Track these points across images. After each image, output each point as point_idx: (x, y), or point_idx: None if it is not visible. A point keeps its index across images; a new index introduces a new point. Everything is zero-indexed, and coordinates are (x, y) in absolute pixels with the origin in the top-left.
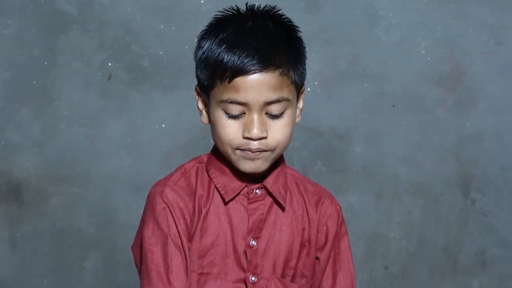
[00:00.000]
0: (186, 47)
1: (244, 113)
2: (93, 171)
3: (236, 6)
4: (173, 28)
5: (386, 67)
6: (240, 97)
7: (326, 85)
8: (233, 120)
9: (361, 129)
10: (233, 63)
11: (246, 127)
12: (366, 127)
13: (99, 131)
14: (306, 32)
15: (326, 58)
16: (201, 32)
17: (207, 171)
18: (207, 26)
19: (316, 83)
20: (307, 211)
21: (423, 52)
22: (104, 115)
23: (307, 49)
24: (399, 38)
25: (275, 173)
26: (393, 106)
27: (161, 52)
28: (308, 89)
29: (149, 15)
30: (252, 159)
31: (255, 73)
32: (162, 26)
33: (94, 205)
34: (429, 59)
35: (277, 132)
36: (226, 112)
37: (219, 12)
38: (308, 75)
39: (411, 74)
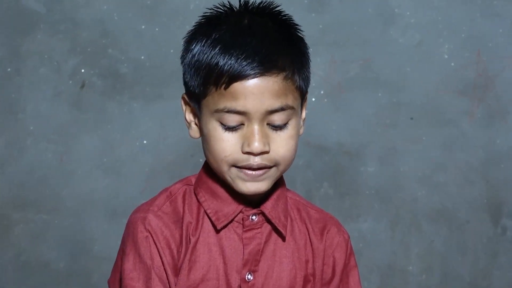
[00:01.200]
0: (172, 50)
1: (243, 124)
2: (63, 194)
3: (228, 2)
4: (157, 29)
5: (403, 73)
6: (239, 106)
7: (334, 95)
8: (230, 132)
9: (374, 146)
10: (230, 67)
11: (246, 140)
12: (380, 143)
13: (71, 148)
14: (310, 33)
15: (333, 63)
16: (188, 33)
17: (195, 195)
18: (195, 25)
19: (322, 92)
20: (310, 240)
21: (446, 56)
22: (76, 129)
23: (311, 53)
24: (418, 40)
25: (274, 196)
26: (411, 118)
27: (142, 57)
28: (313, 99)
29: (129, 13)
30: (254, 180)
31: (255, 77)
32: (143, 27)
33: (64, 234)
34: (452, 64)
35: (281, 145)
36: (221, 123)
37: (209, 9)
38: (313, 83)
39: (432, 82)
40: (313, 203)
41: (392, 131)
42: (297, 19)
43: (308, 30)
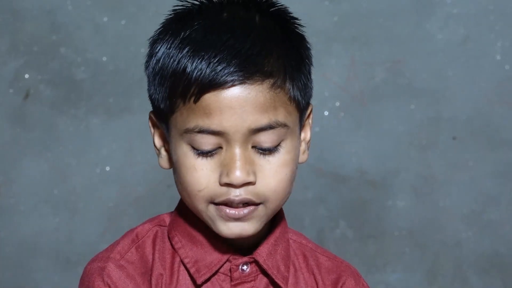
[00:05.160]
0: (142, 50)
1: (221, 147)
2: (1, 237)
3: None
4: (123, 22)
5: (443, 79)
6: (214, 124)
7: (353, 107)
8: (204, 158)
9: (406, 174)
10: (200, 73)
11: (224, 168)
12: (414, 170)
13: (11, 177)
14: (322, 27)
15: (353, 67)
16: (155, 33)
17: (169, 239)
18: (162, 23)
19: (337, 104)
20: None
21: (499, 57)
22: (18, 152)
23: (322, 53)
24: (463, 36)
25: (271, 240)
26: (454, 138)
27: (104, 58)
28: (326, 113)
29: (87, 1)
30: (237, 220)
31: (233, 85)
32: (106, 19)
33: None
34: (507, 67)
35: (271, 174)
36: (193, 147)
37: (181, 1)
38: (326, 92)
39: (481, 90)
40: (325, 247)
41: (430, 155)
42: (305, 8)
43: (320, 23)
